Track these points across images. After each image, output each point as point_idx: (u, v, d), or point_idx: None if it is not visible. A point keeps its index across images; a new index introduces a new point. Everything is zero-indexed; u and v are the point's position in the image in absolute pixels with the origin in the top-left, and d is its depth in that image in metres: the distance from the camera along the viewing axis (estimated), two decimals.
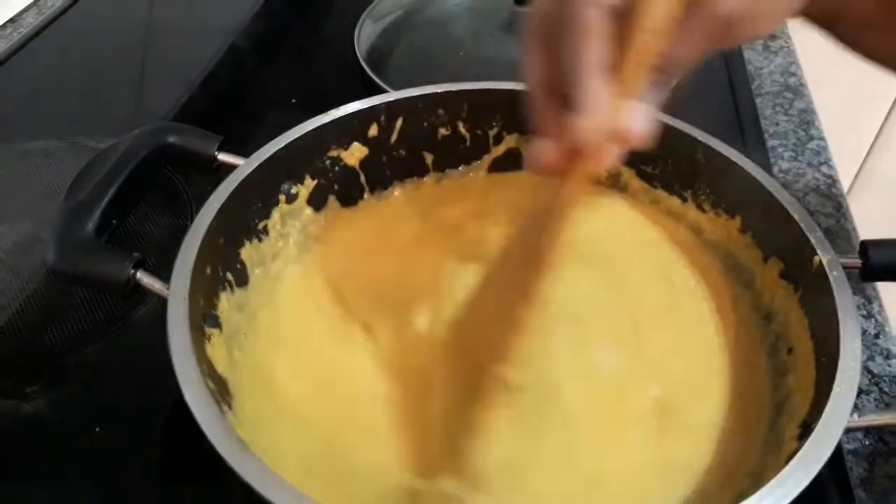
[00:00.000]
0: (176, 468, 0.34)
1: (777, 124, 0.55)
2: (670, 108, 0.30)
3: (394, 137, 0.42)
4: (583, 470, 0.30)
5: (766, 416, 0.32)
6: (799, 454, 0.25)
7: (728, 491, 0.29)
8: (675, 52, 0.25)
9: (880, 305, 0.42)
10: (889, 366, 0.39)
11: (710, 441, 0.31)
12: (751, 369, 0.34)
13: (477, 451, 0.30)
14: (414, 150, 0.43)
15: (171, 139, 0.38)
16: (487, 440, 0.30)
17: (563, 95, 0.26)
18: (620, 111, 0.25)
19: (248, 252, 0.37)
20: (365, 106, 0.41)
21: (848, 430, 0.27)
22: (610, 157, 0.25)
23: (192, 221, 0.33)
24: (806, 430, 0.27)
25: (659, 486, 0.30)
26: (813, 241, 0.32)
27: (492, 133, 0.44)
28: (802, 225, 0.33)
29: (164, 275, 0.31)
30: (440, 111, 0.42)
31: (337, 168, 0.42)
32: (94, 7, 0.69)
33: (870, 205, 0.95)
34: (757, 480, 0.27)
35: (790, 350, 0.33)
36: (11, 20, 0.66)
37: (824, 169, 0.51)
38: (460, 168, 0.44)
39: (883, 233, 0.36)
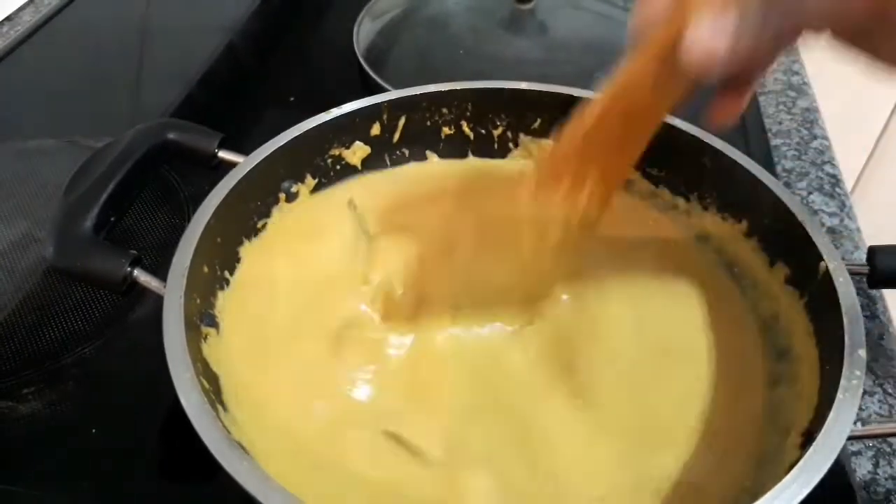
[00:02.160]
0: (173, 468, 0.34)
1: (780, 123, 0.55)
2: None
3: (396, 136, 0.42)
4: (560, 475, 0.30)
5: (761, 426, 0.31)
6: (799, 464, 0.25)
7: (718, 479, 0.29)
8: None
9: (884, 306, 0.41)
10: (893, 367, 0.38)
11: (699, 449, 0.31)
12: (749, 375, 0.33)
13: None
14: (417, 149, 0.43)
15: (171, 136, 0.37)
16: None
17: None
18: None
19: (247, 251, 0.37)
20: (367, 104, 0.40)
21: (851, 438, 0.26)
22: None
23: (188, 221, 0.33)
24: (808, 438, 0.27)
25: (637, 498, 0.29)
26: (820, 246, 0.32)
27: (496, 133, 0.43)
28: (810, 230, 0.33)
29: (162, 273, 0.31)
30: (444, 110, 0.42)
31: (338, 167, 0.41)
32: (91, 5, 0.68)
33: (874, 203, 0.95)
34: (756, 489, 0.26)
35: (793, 357, 0.33)
36: (8, 18, 0.65)
37: (828, 168, 0.51)
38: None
39: (887, 231, 0.35)
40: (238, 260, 0.37)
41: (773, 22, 0.22)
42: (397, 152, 0.43)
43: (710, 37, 0.22)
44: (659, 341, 0.35)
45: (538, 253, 0.33)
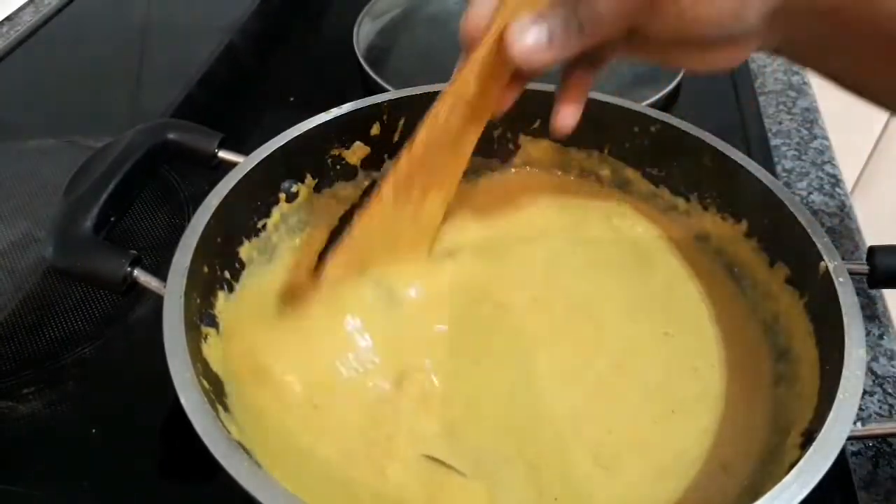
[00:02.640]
0: (173, 468, 0.34)
1: (780, 123, 0.55)
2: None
3: (396, 137, 0.42)
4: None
5: (766, 424, 0.31)
6: (799, 464, 0.25)
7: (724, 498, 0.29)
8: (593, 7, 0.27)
9: (884, 306, 0.41)
10: (893, 367, 0.38)
11: (705, 446, 0.31)
12: (751, 375, 0.33)
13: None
14: None
15: (171, 136, 0.38)
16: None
17: None
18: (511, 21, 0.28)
19: (247, 251, 0.37)
20: (367, 104, 0.40)
21: (851, 438, 0.26)
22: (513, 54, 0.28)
23: (188, 221, 0.33)
24: (808, 438, 0.27)
25: (652, 482, 0.29)
26: (820, 246, 0.32)
27: (496, 133, 0.43)
28: (810, 230, 0.33)
29: (162, 273, 0.31)
30: None
31: (338, 167, 0.41)
32: (91, 5, 0.68)
33: (873, 204, 0.95)
34: (756, 489, 0.27)
35: (794, 357, 0.33)
36: (8, 18, 0.66)
37: (828, 168, 0.51)
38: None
39: (887, 231, 0.35)
40: (242, 265, 0.36)
41: (580, 17, 0.27)
42: (397, 152, 0.43)
43: (528, 32, 0.28)
44: (660, 343, 0.35)
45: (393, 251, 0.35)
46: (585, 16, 0.27)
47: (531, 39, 0.28)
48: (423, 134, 0.32)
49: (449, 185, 0.35)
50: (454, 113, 0.32)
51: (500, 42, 0.28)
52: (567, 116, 0.32)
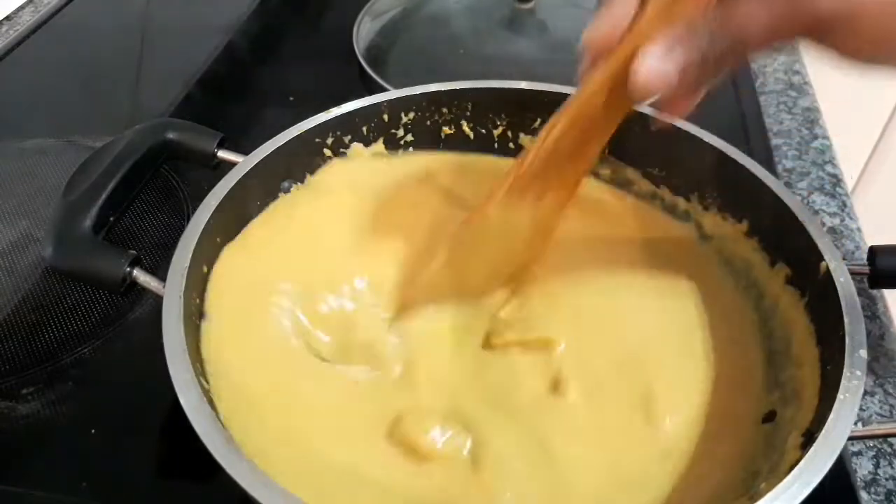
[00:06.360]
0: (172, 468, 0.34)
1: (781, 123, 0.55)
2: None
3: (396, 136, 0.42)
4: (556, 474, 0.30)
5: (762, 426, 0.31)
6: (800, 464, 0.25)
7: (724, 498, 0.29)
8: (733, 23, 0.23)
9: (885, 306, 0.41)
10: (894, 367, 0.38)
11: (703, 447, 0.31)
12: (748, 375, 0.33)
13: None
14: (417, 149, 0.43)
15: (171, 136, 0.38)
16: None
17: None
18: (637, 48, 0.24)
19: None
20: (367, 104, 0.40)
21: (852, 439, 0.26)
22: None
23: (188, 221, 0.33)
24: (809, 438, 0.27)
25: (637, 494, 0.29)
26: (820, 246, 0.32)
27: (497, 132, 0.43)
28: (810, 230, 0.33)
29: (161, 273, 0.31)
30: (444, 110, 0.42)
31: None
32: (90, 4, 0.68)
33: (874, 203, 0.95)
34: (756, 489, 0.27)
35: (794, 357, 0.32)
36: (7, 18, 0.66)
37: (828, 168, 0.51)
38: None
39: (887, 230, 0.35)
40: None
41: (718, 47, 0.24)
42: (397, 153, 0.43)
43: (657, 67, 0.24)
44: (659, 342, 0.35)
45: (509, 255, 0.35)
46: (729, 40, 0.23)
47: (658, 68, 0.24)
48: (540, 145, 0.31)
49: (568, 190, 0.33)
50: (575, 126, 0.30)
51: (626, 62, 0.25)
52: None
